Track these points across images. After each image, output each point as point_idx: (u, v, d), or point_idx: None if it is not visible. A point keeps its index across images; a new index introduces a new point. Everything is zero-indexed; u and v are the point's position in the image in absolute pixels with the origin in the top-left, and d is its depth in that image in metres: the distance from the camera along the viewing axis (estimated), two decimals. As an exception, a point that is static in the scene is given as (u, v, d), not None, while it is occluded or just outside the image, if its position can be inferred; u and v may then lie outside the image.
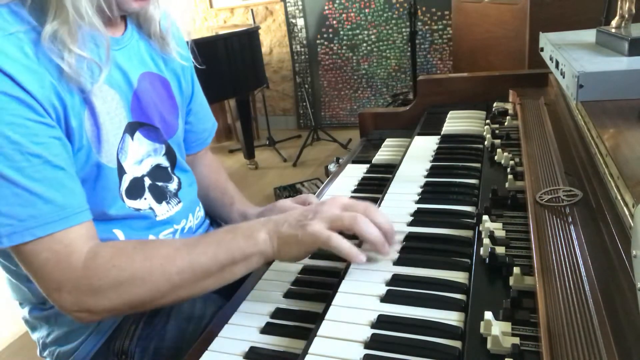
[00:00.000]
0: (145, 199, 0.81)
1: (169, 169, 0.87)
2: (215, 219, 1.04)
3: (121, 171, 0.77)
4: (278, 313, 0.65)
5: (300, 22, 4.27)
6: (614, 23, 0.93)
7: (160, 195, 0.84)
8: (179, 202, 0.88)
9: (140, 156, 0.81)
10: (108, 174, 0.74)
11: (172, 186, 0.87)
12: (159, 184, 0.84)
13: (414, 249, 0.70)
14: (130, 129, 0.78)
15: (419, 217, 0.79)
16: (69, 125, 0.68)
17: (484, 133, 1.07)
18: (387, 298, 0.60)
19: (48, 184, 0.62)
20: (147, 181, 0.82)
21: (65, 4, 0.64)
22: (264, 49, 4.34)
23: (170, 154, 0.87)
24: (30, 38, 0.64)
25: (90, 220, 0.68)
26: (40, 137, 0.62)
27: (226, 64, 3.17)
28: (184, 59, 0.91)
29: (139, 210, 0.80)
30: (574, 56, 0.86)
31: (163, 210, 0.84)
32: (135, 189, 0.79)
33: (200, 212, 0.95)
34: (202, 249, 0.66)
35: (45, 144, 0.63)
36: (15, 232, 0.61)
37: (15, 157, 0.60)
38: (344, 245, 0.63)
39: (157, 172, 0.84)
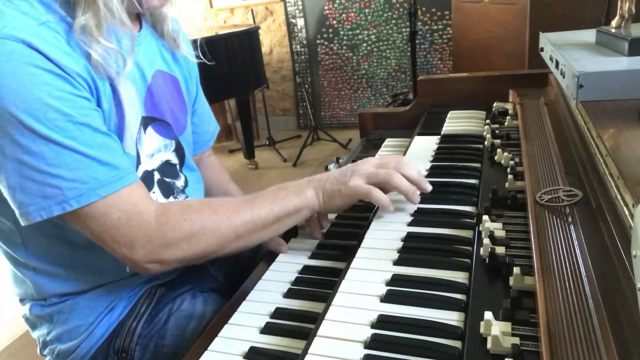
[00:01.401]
0: (153, 192, 0.83)
1: (178, 166, 0.90)
2: None
3: (138, 161, 0.80)
4: (278, 313, 0.65)
5: (300, 22, 4.27)
6: (614, 23, 0.93)
7: (168, 191, 0.86)
8: (186, 197, 0.89)
9: (152, 151, 0.83)
10: (130, 160, 0.76)
11: (179, 183, 0.89)
12: (167, 179, 0.87)
13: (414, 249, 0.70)
14: (144, 123, 0.81)
15: (419, 217, 0.79)
16: (101, 107, 0.72)
17: (484, 133, 1.07)
18: (387, 298, 0.60)
19: (100, 148, 0.67)
20: (157, 176, 0.84)
21: (97, 1, 0.68)
22: (264, 49, 4.34)
23: (179, 151, 0.90)
24: (61, 28, 0.68)
25: (141, 181, 0.73)
26: (85, 110, 0.67)
27: (226, 64, 3.17)
28: (193, 67, 0.96)
29: None
30: (574, 56, 0.86)
31: None
32: (146, 182, 0.81)
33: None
34: (260, 204, 0.74)
35: (90, 115, 0.68)
36: (82, 194, 0.65)
37: (69, 127, 0.65)
38: (382, 197, 0.76)
39: (166, 168, 0.87)
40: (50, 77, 0.64)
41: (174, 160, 0.89)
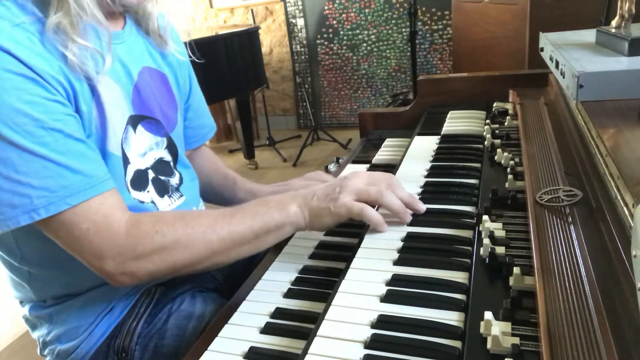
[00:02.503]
0: (148, 191, 0.82)
1: (172, 163, 0.89)
2: (223, 204, 1.05)
3: (126, 161, 0.79)
4: (278, 313, 0.65)
5: (300, 22, 4.27)
6: (614, 23, 0.93)
7: (163, 189, 0.85)
8: (181, 196, 0.89)
9: (143, 149, 0.82)
10: (114, 161, 0.76)
11: (174, 181, 0.89)
12: (162, 177, 0.86)
13: (414, 249, 0.70)
14: (133, 122, 0.80)
15: (419, 217, 0.79)
16: (79, 109, 0.70)
17: (484, 133, 1.07)
18: (387, 298, 0.60)
19: (73, 155, 0.66)
20: (151, 174, 0.84)
21: None
22: (264, 49, 4.34)
23: (172, 148, 0.89)
24: (36, 28, 0.67)
25: (116, 189, 0.71)
26: (57, 114, 0.65)
27: (226, 64, 3.17)
28: (181, 55, 0.94)
29: (142, 202, 0.81)
30: (574, 56, 0.86)
31: (165, 205, 0.84)
32: (139, 181, 0.81)
33: (203, 207, 0.96)
34: (238, 219, 0.71)
35: (63, 120, 0.66)
36: (51, 203, 0.63)
37: (39, 132, 0.63)
38: (376, 216, 0.73)
39: (160, 166, 0.86)
40: (21, 80, 0.62)
41: (167, 157, 0.88)
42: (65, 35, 0.67)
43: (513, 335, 0.49)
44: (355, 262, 0.69)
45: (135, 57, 0.83)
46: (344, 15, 4.10)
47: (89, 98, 0.72)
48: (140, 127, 0.82)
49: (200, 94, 1.04)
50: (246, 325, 0.63)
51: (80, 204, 0.65)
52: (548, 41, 1.04)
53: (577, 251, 0.55)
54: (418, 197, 0.86)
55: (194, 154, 1.06)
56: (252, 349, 0.59)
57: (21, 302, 0.86)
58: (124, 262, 0.67)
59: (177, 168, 0.90)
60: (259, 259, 0.86)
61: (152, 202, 0.83)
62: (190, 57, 0.97)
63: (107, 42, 0.74)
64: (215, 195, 1.05)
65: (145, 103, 0.82)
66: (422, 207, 0.78)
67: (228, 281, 0.96)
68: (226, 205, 1.04)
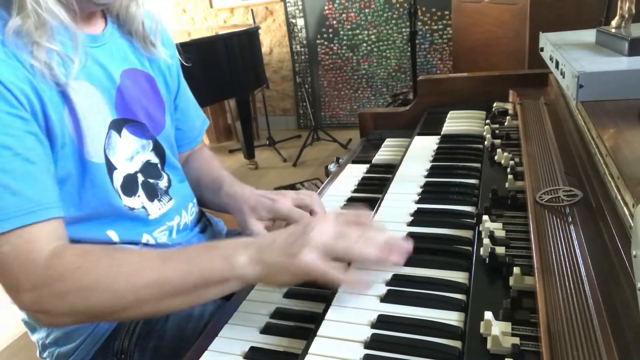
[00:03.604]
0: (138, 196, 0.81)
1: (159, 165, 0.86)
2: (212, 208, 1.02)
3: (110, 167, 0.76)
4: (278, 313, 0.65)
5: (300, 22, 4.26)
6: (614, 23, 0.93)
7: (152, 193, 0.84)
8: (170, 199, 0.87)
9: (130, 153, 0.80)
10: (95, 169, 0.73)
11: (163, 183, 0.87)
12: (151, 180, 0.84)
13: (414, 249, 0.70)
14: (116, 126, 0.77)
15: (419, 217, 0.79)
16: (48, 118, 0.67)
17: (484, 133, 1.07)
18: (387, 298, 0.60)
19: (17, 176, 0.61)
20: (140, 178, 0.82)
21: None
22: (264, 49, 4.33)
23: (158, 150, 0.86)
24: (1, 32, 0.64)
25: (60, 219, 0.65)
26: (12, 129, 0.61)
27: (226, 64, 3.17)
28: (173, 61, 0.91)
29: (132, 209, 0.79)
30: (574, 56, 0.86)
31: (155, 209, 0.83)
32: (129, 186, 0.79)
33: (194, 208, 0.94)
34: (174, 264, 0.61)
35: (17, 136, 0.62)
36: None
37: None
38: (342, 279, 0.59)
39: (148, 169, 0.84)
40: None
41: (154, 159, 0.85)
42: (29, 39, 0.64)
43: (513, 335, 0.49)
44: (355, 262, 0.69)
45: (118, 60, 0.80)
46: (344, 15, 4.09)
47: (60, 105, 0.68)
48: (125, 131, 0.79)
49: (189, 95, 1.00)
50: (246, 325, 0.63)
51: (14, 229, 0.59)
52: (548, 41, 1.04)
53: (577, 251, 0.55)
54: (418, 197, 0.86)
55: (191, 157, 1.03)
56: (252, 349, 0.59)
57: None
58: (39, 298, 0.59)
59: (164, 170, 0.88)
60: None
61: (143, 207, 0.81)
62: (180, 60, 0.94)
63: (76, 44, 0.70)
64: (202, 198, 1.00)
65: (129, 106, 0.80)
66: (406, 244, 0.63)
67: None
68: (213, 209, 1.01)
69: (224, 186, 0.92)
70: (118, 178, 0.78)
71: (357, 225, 0.63)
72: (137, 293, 0.60)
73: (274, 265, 0.59)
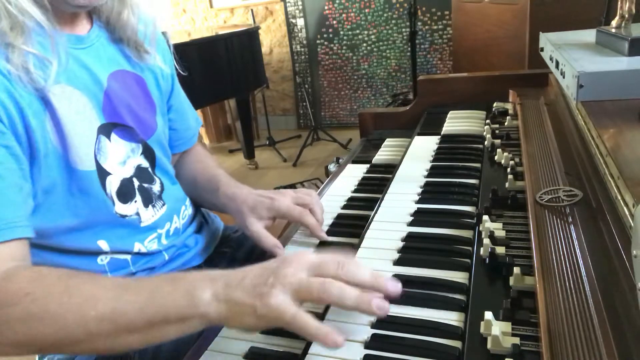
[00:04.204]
0: (135, 201, 0.79)
1: (150, 169, 0.84)
2: (209, 208, 1.01)
3: (103, 173, 0.74)
4: (278, 313, 0.64)
5: (300, 22, 4.26)
6: (614, 23, 0.93)
7: (148, 198, 0.82)
8: (163, 204, 0.85)
9: (122, 157, 0.78)
10: (84, 177, 0.71)
11: (156, 188, 0.85)
12: (145, 185, 0.82)
13: (414, 249, 0.70)
14: (105, 130, 0.75)
15: (419, 217, 0.79)
16: (28, 127, 0.64)
17: (484, 133, 1.07)
18: (387, 298, 0.60)
19: None
20: (136, 182, 0.80)
21: None
22: (264, 49, 4.33)
23: (148, 154, 0.84)
24: None
25: (24, 240, 0.61)
26: None
27: (226, 64, 3.17)
28: (166, 61, 0.89)
29: (124, 216, 0.78)
30: (574, 56, 0.86)
31: (148, 215, 0.82)
32: (127, 191, 0.78)
33: (187, 211, 0.93)
34: (131, 296, 0.54)
35: None
36: None
37: None
38: (312, 327, 0.50)
39: (141, 173, 0.82)
40: None
41: (144, 163, 0.83)
42: (3, 40, 0.61)
43: (513, 335, 0.49)
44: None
45: (105, 62, 0.78)
46: (344, 15, 4.09)
47: (41, 111, 0.66)
48: (113, 135, 0.77)
49: (182, 95, 0.98)
50: (246, 325, 0.63)
51: None
52: (548, 41, 1.04)
53: (577, 251, 0.55)
54: (418, 197, 0.86)
55: (185, 157, 1.02)
56: (252, 349, 0.59)
57: None
58: None
59: (156, 174, 0.86)
60: (255, 258, 0.85)
61: (137, 214, 0.80)
62: (176, 67, 0.92)
63: (53, 44, 0.67)
64: (199, 198, 0.98)
65: (116, 110, 0.77)
66: (393, 286, 0.55)
67: None
68: (210, 209, 1.00)
69: (221, 187, 0.90)
70: (113, 183, 0.76)
71: (338, 263, 0.54)
72: (86, 327, 0.53)
73: (241, 305, 0.52)
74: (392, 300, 0.59)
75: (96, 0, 0.72)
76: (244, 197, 0.85)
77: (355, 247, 0.63)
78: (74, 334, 0.54)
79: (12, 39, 0.62)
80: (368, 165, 1.14)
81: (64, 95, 0.69)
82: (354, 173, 1.11)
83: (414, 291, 0.61)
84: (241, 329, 0.57)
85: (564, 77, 0.86)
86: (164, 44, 0.91)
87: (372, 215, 0.82)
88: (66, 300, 0.54)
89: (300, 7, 4.21)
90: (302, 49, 4.35)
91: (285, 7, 4.26)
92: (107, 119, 0.76)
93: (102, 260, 0.77)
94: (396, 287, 0.55)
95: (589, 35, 1.01)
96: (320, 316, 0.59)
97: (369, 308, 0.52)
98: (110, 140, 0.76)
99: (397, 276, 0.64)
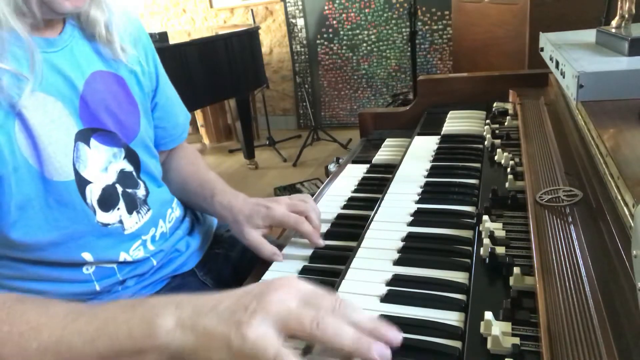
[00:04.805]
0: (118, 208, 0.76)
1: (134, 173, 0.81)
2: (199, 212, 0.98)
3: (82, 182, 0.71)
4: (278, 313, 0.64)
5: (300, 22, 4.27)
6: (614, 23, 0.93)
7: (132, 204, 0.79)
8: (149, 209, 0.82)
9: (103, 163, 0.75)
10: (61, 188, 0.68)
11: (140, 192, 0.82)
12: (129, 190, 0.79)
13: (414, 249, 0.70)
14: (83, 137, 0.72)
15: (419, 217, 0.79)
16: None
17: (484, 133, 1.07)
18: (387, 298, 0.60)
19: None
20: (119, 188, 0.77)
21: None
22: (264, 49, 4.34)
23: (131, 157, 0.80)
24: None
25: None
26: None
27: (226, 64, 3.17)
28: (148, 58, 0.86)
29: (107, 225, 0.75)
30: (574, 56, 0.86)
31: (132, 222, 0.79)
32: (109, 198, 0.75)
33: (174, 214, 0.90)
34: (81, 326, 0.49)
35: None
36: None
37: None
38: None
39: (124, 179, 0.79)
40: None
41: (128, 167, 0.79)
42: None
43: (513, 335, 0.49)
44: (355, 262, 0.69)
45: (80, 64, 0.73)
46: (344, 15, 4.10)
47: (9, 126, 0.62)
48: (93, 141, 0.73)
49: (170, 90, 0.94)
50: (246, 325, 0.63)
51: None
52: (548, 41, 1.04)
53: (577, 251, 0.55)
54: (418, 197, 0.86)
55: (172, 155, 0.98)
56: (252, 349, 0.58)
57: None
58: None
59: (140, 178, 0.82)
60: (248, 259, 0.82)
61: (120, 221, 0.77)
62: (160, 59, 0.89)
63: (31, 60, 0.63)
64: (189, 202, 0.95)
65: (94, 114, 0.73)
66: (393, 334, 0.47)
67: (218, 285, 0.91)
68: (202, 212, 0.97)
69: (216, 195, 0.87)
70: (94, 192, 0.73)
71: (336, 299, 0.47)
72: (26, 358, 0.49)
73: (210, 334, 0.44)
74: (393, 300, 0.59)
75: (81, 5, 0.68)
76: (239, 207, 0.83)
77: (337, 284, 0.61)
78: None
79: None
80: (368, 165, 1.14)
81: (37, 104, 0.65)
82: (354, 173, 1.11)
83: (414, 291, 0.61)
84: None
85: (564, 77, 0.86)
86: (145, 40, 0.87)
87: (372, 215, 0.82)
88: (7, 329, 0.50)
89: (300, 7, 4.21)
90: (302, 49, 4.35)
91: (285, 7, 4.26)
92: (85, 124, 0.72)
93: (88, 269, 0.75)
94: (397, 337, 0.47)
95: (589, 35, 1.01)
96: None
97: (367, 353, 0.44)
98: (89, 147, 0.72)
99: (397, 276, 0.64)
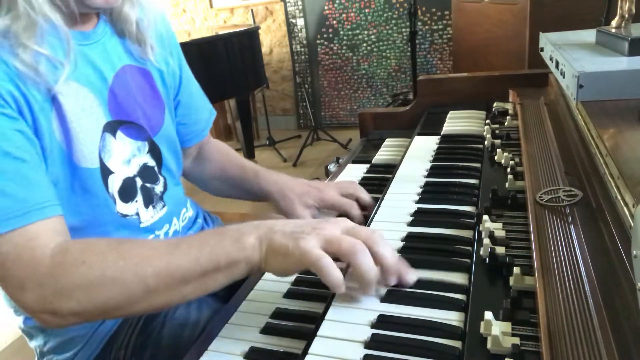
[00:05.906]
0: (136, 201, 0.79)
1: (156, 168, 0.84)
2: (235, 197, 1.01)
3: (106, 172, 0.74)
4: (278, 313, 0.65)
5: (300, 22, 4.26)
6: (614, 23, 0.93)
7: (149, 199, 0.82)
8: (164, 206, 0.85)
9: (127, 156, 0.78)
10: (86, 175, 0.71)
11: (159, 188, 0.84)
12: (148, 185, 0.82)
13: (414, 249, 0.70)
14: (111, 128, 0.75)
15: (419, 217, 0.79)
16: (36, 120, 0.65)
17: (484, 133, 1.07)
18: (387, 298, 0.60)
19: (8, 176, 0.59)
20: (139, 182, 0.80)
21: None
22: (264, 49, 4.33)
23: (154, 152, 0.83)
24: None
25: (60, 216, 0.63)
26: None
27: (226, 64, 3.17)
28: (173, 57, 0.89)
29: (125, 216, 0.78)
30: (574, 56, 0.86)
31: (148, 216, 0.81)
32: (129, 190, 0.77)
33: (187, 213, 0.92)
34: (184, 250, 0.59)
35: (5, 134, 0.60)
36: None
37: None
38: (332, 273, 0.56)
39: (145, 173, 0.81)
40: None
41: (151, 162, 0.83)
42: (16, 40, 0.62)
43: (513, 335, 0.49)
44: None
45: (111, 58, 0.77)
46: (344, 15, 4.09)
47: (48, 109, 0.66)
48: (119, 133, 0.77)
49: (195, 87, 0.98)
50: (246, 325, 0.63)
51: (8, 232, 0.57)
52: (548, 41, 1.04)
53: (577, 251, 0.55)
54: (418, 197, 0.86)
55: (204, 147, 1.01)
56: (252, 349, 0.59)
57: (15, 312, 0.84)
58: (45, 296, 0.57)
59: (162, 173, 0.85)
60: None
61: (137, 214, 0.79)
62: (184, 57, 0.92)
63: (67, 47, 0.68)
64: (235, 189, 0.98)
65: (123, 107, 0.77)
66: (410, 277, 0.61)
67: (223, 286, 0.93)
68: (237, 197, 1.00)
69: (260, 174, 0.94)
70: (116, 182, 0.75)
71: (372, 231, 0.61)
72: (146, 283, 0.57)
73: (279, 247, 0.58)
74: (393, 300, 0.60)
75: (114, 1, 0.73)
76: (290, 185, 0.89)
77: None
78: (133, 293, 0.58)
79: (25, 39, 0.63)
80: (368, 165, 1.14)
81: (71, 92, 0.69)
82: (354, 173, 1.11)
83: (414, 291, 0.61)
84: (275, 272, 0.60)
85: (564, 77, 0.86)
86: (172, 39, 0.91)
87: (372, 215, 0.82)
88: (122, 263, 0.58)
89: (300, 7, 4.21)
90: (302, 49, 4.35)
91: (285, 7, 4.26)
92: (114, 116, 0.76)
93: None
94: (412, 279, 0.61)
95: (589, 35, 1.01)
96: (320, 316, 0.59)
97: (368, 289, 0.59)
98: (115, 138, 0.76)
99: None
